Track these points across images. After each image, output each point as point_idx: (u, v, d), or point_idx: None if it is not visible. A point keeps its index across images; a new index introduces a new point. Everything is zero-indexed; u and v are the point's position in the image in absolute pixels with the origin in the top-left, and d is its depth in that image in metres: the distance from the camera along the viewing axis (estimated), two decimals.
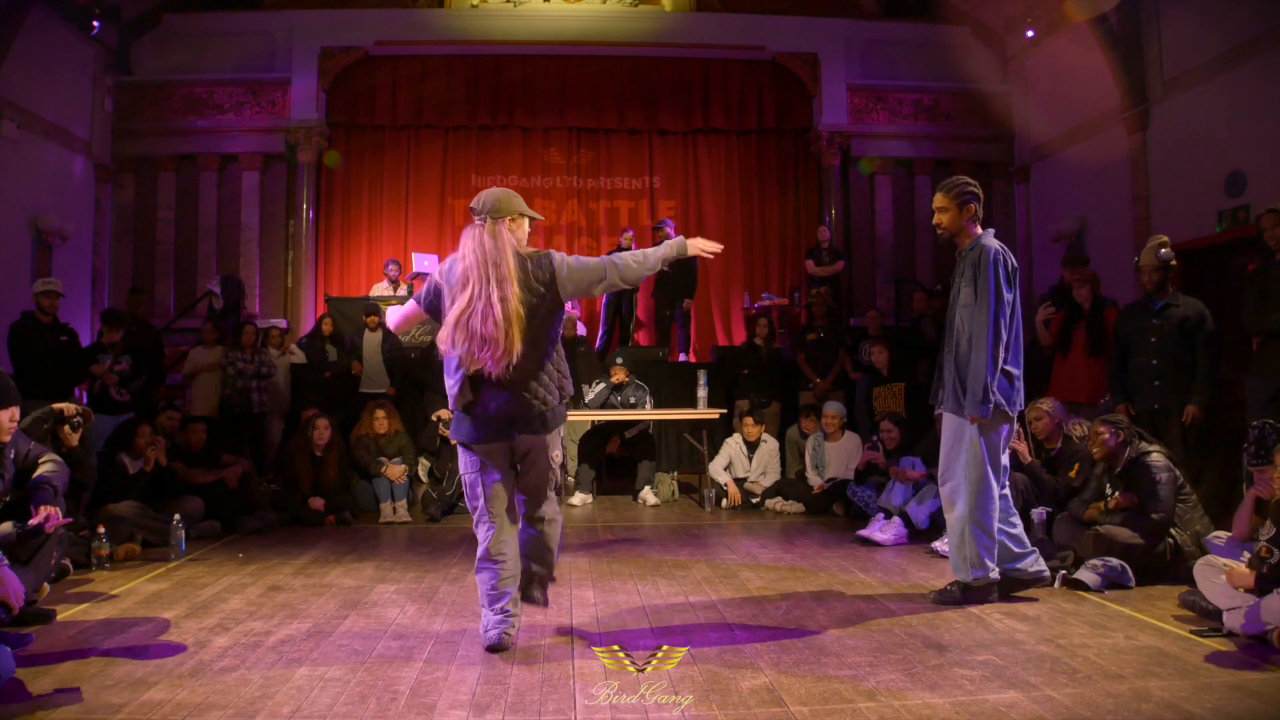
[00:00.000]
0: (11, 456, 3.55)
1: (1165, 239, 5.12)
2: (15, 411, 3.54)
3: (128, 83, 9.69)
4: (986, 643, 3.15)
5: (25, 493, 3.53)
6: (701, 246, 3.15)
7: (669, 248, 3.08)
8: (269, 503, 5.97)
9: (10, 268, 8.09)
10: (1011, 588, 3.80)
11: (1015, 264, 3.64)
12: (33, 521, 3.36)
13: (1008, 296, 3.55)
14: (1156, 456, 4.14)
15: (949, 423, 3.73)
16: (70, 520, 3.65)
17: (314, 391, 7.46)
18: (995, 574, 3.71)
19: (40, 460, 3.64)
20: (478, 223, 2.97)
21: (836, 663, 2.93)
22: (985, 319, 3.50)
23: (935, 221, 3.79)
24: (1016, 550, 3.79)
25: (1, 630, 2.96)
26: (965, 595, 3.67)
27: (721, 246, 3.24)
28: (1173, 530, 4.05)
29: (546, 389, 3.01)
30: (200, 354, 7.36)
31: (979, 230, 3.75)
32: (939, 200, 3.76)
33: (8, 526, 3.31)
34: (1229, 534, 3.80)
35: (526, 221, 3.07)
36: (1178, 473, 4.16)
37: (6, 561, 2.97)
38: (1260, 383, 4.69)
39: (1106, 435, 4.27)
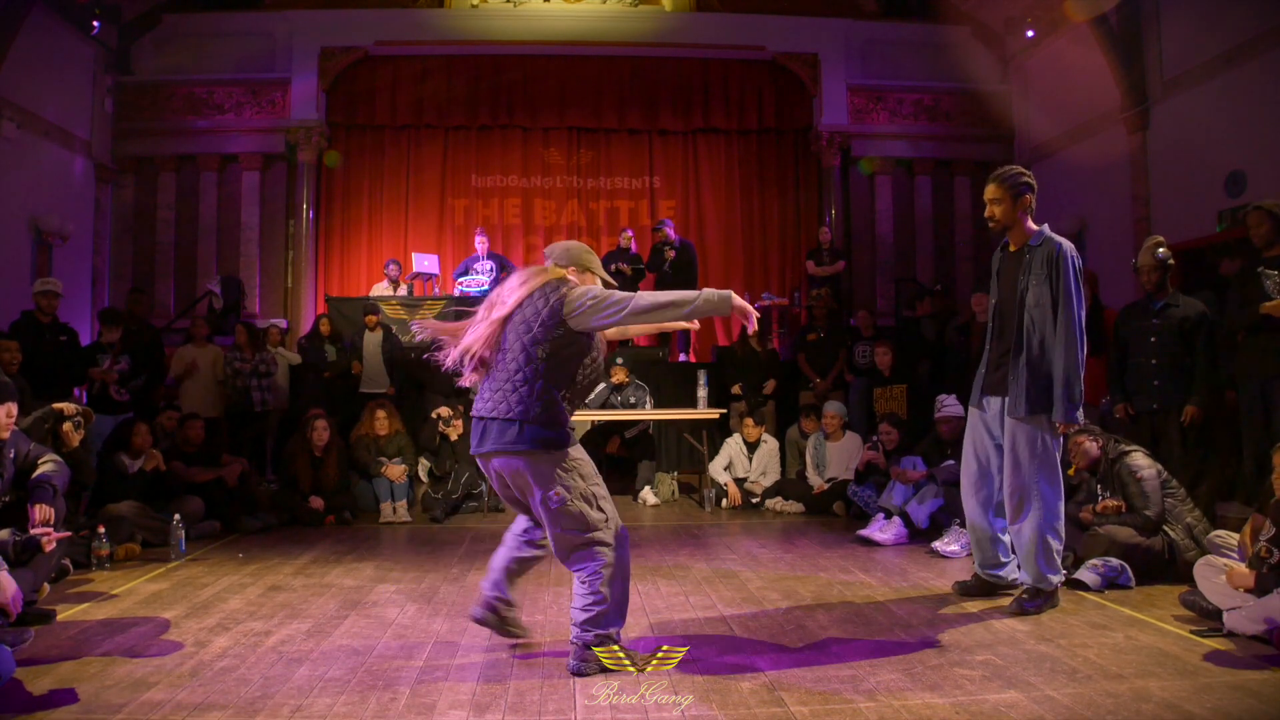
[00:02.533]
0: (11, 456, 3.55)
1: (1161, 239, 5.12)
2: (13, 408, 3.54)
3: (128, 83, 9.70)
4: (986, 643, 3.15)
5: (25, 493, 3.52)
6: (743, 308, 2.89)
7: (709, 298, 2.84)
8: (269, 503, 5.97)
9: (10, 268, 8.09)
10: (986, 590, 3.83)
11: (1081, 262, 3.56)
12: (32, 528, 3.35)
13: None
14: (1136, 456, 4.19)
15: (1016, 430, 3.54)
16: (69, 534, 3.64)
17: (314, 391, 7.46)
18: (1062, 577, 3.66)
19: (40, 460, 3.63)
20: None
21: (836, 663, 2.92)
22: (1072, 323, 3.40)
23: (988, 214, 3.62)
24: (1003, 559, 3.82)
25: (1, 630, 2.95)
26: (1042, 600, 3.54)
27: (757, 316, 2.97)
28: (1165, 527, 4.07)
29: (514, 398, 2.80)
30: (189, 352, 7.34)
31: (1031, 222, 3.60)
32: (992, 191, 3.58)
33: (5, 534, 3.30)
34: (1227, 531, 3.81)
35: (593, 278, 3.02)
36: (1160, 468, 4.20)
37: (5, 566, 2.96)
38: (1244, 381, 4.70)
39: (1088, 444, 4.35)
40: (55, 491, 3.54)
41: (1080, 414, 3.46)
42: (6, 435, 3.53)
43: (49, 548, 3.37)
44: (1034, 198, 3.59)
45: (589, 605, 2.82)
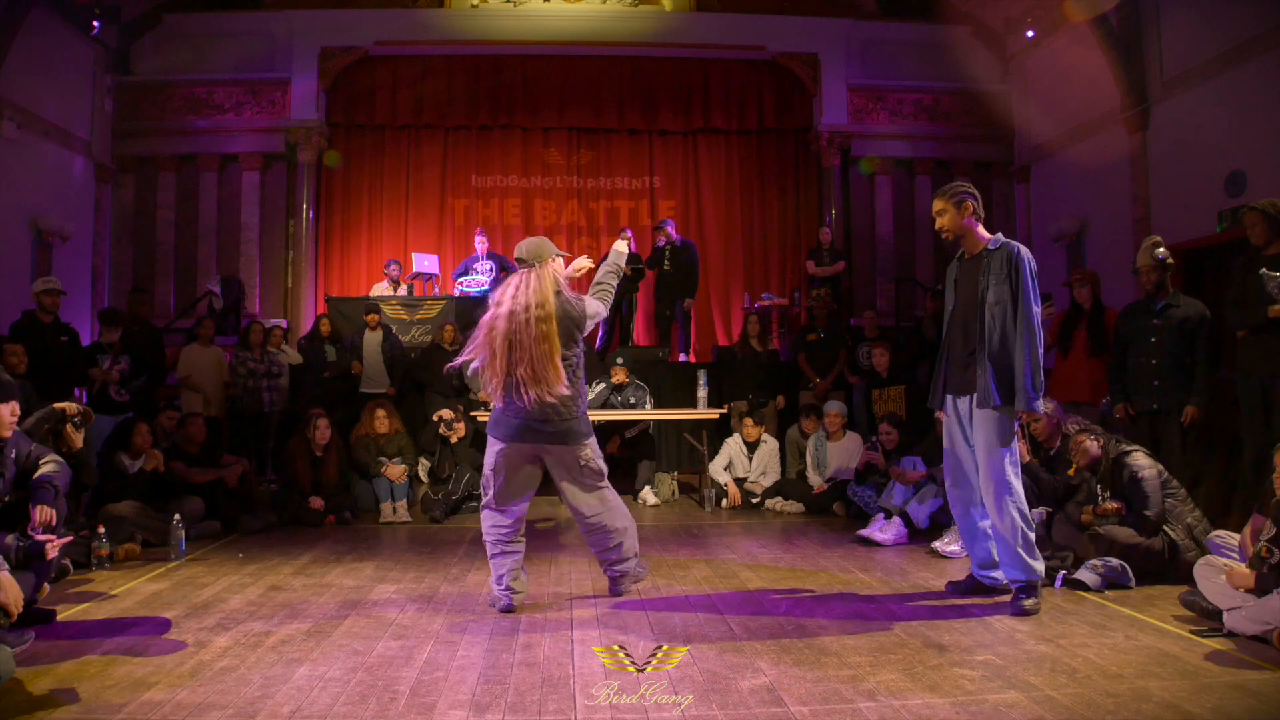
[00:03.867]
0: (13, 456, 3.54)
1: (1159, 239, 5.13)
2: (15, 406, 3.54)
3: (128, 83, 9.70)
4: (986, 643, 3.15)
5: (26, 494, 3.52)
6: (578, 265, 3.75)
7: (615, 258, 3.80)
8: (269, 503, 5.97)
9: (10, 268, 8.09)
10: (979, 590, 3.84)
11: (1036, 265, 3.75)
12: (34, 532, 3.34)
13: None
14: (1137, 456, 4.18)
15: (986, 421, 3.65)
16: (71, 538, 3.63)
17: (314, 391, 7.46)
18: (1044, 565, 3.76)
19: (41, 461, 3.63)
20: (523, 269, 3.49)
21: (836, 663, 2.93)
22: (1029, 317, 3.58)
23: (938, 226, 3.85)
24: (997, 559, 3.80)
25: (1, 630, 2.95)
26: (1036, 594, 3.59)
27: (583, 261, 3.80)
28: (1165, 527, 4.06)
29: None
30: (195, 352, 7.34)
31: (983, 229, 3.80)
32: (936, 205, 3.83)
33: (10, 539, 3.29)
34: (1227, 531, 3.81)
35: (560, 260, 3.59)
36: (1161, 468, 4.19)
37: (6, 566, 2.96)
38: (1245, 380, 4.71)
39: (1088, 444, 4.34)
40: (57, 492, 3.53)
41: (1040, 403, 3.60)
42: (8, 434, 3.52)
43: (52, 555, 3.35)
44: (977, 204, 3.79)
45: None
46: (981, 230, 3.80)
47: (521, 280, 3.41)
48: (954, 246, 3.91)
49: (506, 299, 3.39)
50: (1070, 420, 4.88)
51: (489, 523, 3.64)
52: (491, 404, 3.59)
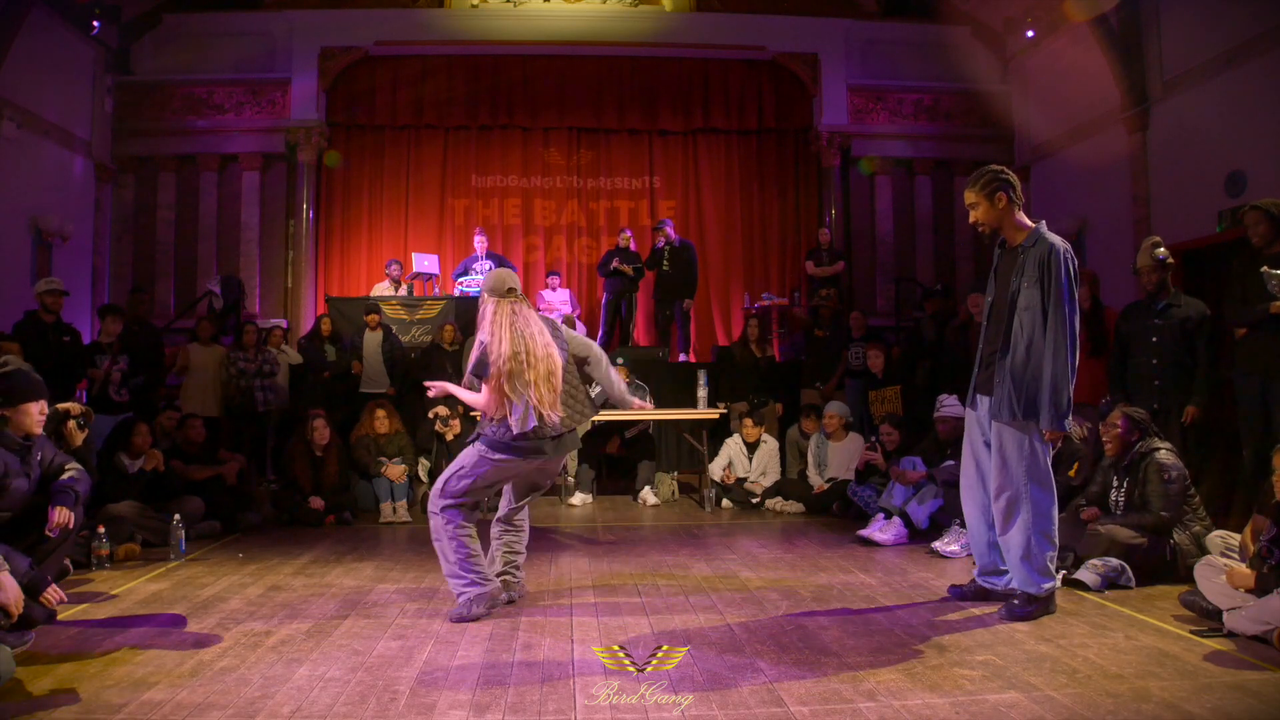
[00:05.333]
0: (38, 459, 3.56)
1: (1158, 239, 5.13)
2: (44, 405, 3.56)
3: (128, 83, 9.71)
4: (986, 643, 3.15)
5: (44, 498, 3.52)
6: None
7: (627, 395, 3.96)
8: (269, 500, 5.97)
9: (10, 268, 8.09)
10: (981, 596, 3.77)
11: (1077, 262, 3.43)
12: (51, 532, 3.34)
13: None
14: (1166, 455, 4.12)
15: (1001, 433, 3.46)
16: (64, 600, 3.56)
17: (314, 391, 7.45)
18: (1058, 582, 3.59)
19: (65, 467, 3.65)
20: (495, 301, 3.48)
21: (836, 663, 2.92)
22: (1062, 327, 3.27)
23: (972, 220, 3.53)
24: (1001, 567, 3.72)
25: (1, 630, 2.95)
26: (1034, 607, 3.42)
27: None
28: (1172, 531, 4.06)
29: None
30: (195, 351, 7.34)
31: (1022, 216, 3.49)
32: (968, 197, 3.51)
33: (22, 564, 3.24)
34: (1227, 531, 3.81)
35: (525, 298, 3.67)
36: (1185, 471, 4.15)
37: (6, 567, 2.96)
38: (1244, 379, 4.71)
39: (1121, 426, 4.26)
40: (77, 498, 3.54)
41: (1069, 422, 3.37)
42: (38, 431, 3.54)
43: (52, 604, 3.22)
44: (1013, 193, 3.46)
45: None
46: (1021, 218, 3.47)
47: (515, 312, 3.42)
48: (992, 238, 3.62)
49: (517, 333, 3.38)
50: (1075, 421, 4.87)
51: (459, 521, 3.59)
52: (501, 429, 3.44)
